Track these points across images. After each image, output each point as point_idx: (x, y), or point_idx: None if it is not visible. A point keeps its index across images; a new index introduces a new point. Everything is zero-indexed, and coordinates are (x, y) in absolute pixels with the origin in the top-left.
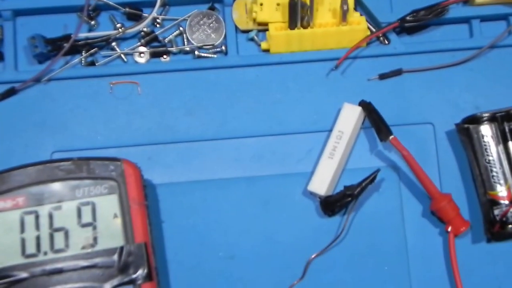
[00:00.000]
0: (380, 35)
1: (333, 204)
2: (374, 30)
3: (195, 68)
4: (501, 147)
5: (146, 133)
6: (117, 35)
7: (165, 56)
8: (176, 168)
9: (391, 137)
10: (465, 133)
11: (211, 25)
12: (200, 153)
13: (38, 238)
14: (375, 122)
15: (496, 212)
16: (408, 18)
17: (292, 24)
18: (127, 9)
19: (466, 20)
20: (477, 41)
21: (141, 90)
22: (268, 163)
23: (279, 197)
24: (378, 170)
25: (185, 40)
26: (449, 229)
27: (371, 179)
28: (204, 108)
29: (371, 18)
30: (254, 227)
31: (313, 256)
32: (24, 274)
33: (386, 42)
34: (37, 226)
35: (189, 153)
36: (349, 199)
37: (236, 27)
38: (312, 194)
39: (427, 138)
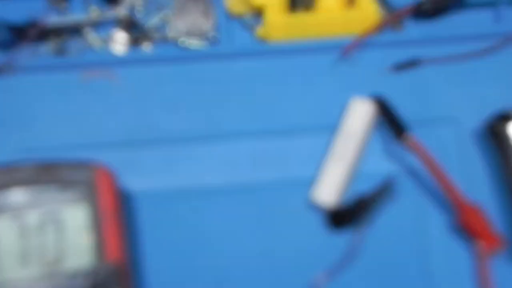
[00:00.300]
0: (395, 20)
1: (344, 217)
2: (387, 14)
3: (180, 59)
4: None
5: (123, 133)
6: (91, 20)
7: (146, 45)
8: (158, 174)
9: (408, 136)
10: (495, 132)
11: (199, 9)
12: (187, 157)
13: None
14: (390, 120)
15: None
16: (426, 0)
17: (292, 7)
18: None
19: (492, 2)
20: (505, 26)
21: (118, 83)
22: (266, 168)
23: (279, 209)
24: (393, 179)
25: (169, 26)
26: (481, 246)
27: (386, 188)
28: (192, 104)
29: (383, 1)
30: (249, 244)
31: (319, 280)
32: None
33: (401, 28)
34: None
35: (174, 157)
36: (363, 212)
37: (229, 12)
38: (318, 206)
39: (451, 138)
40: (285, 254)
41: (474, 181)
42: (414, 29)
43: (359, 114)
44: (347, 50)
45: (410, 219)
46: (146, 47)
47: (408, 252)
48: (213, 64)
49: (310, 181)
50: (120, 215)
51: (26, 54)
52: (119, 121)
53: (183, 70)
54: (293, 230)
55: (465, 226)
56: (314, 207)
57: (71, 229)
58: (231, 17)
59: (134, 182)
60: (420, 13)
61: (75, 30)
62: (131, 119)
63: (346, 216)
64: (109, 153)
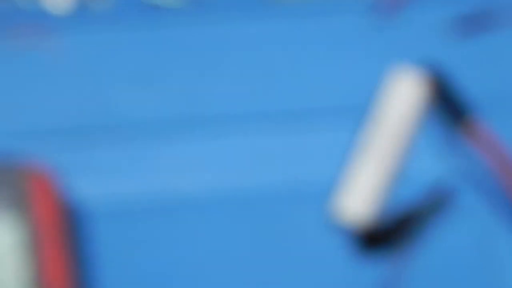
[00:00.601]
0: None
1: (381, 237)
2: None
3: (148, 21)
4: None
5: (69, 118)
6: None
7: (99, 2)
8: (117, 177)
9: (473, 124)
10: None
11: None
12: (157, 152)
13: None
14: (449, 103)
15: None
16: None
17: None
18: None
19: None
20: None
21: (59, 52)
22: (268, 169)
23: (288, 226)
24: (450, 185)
25: None
26: None
27: (443, 196)
28: (164, 81)
29: None
30: (243, 274)
31: None
32: None
33: None
34: None
35: (140, 153)
36: (409, 229)
37: None
38: (343, 222)
39: None
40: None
41: None
42: None
43: (404, 95)
44: (390, 7)
45: (473, 240)
46: (99, 5)
47: (472, 284)
48: (194, 28)
49: (331, 188)
50: (64, 233)
51: None
52: (63, 101)
53: (151, 36)
54: (307, 256)
55: None
56: (338, 224)
57: None
58: None
59: (86, 186)
60: None
61: None
62: (80, 100)
63: (384, 236)
64: (47, 148)
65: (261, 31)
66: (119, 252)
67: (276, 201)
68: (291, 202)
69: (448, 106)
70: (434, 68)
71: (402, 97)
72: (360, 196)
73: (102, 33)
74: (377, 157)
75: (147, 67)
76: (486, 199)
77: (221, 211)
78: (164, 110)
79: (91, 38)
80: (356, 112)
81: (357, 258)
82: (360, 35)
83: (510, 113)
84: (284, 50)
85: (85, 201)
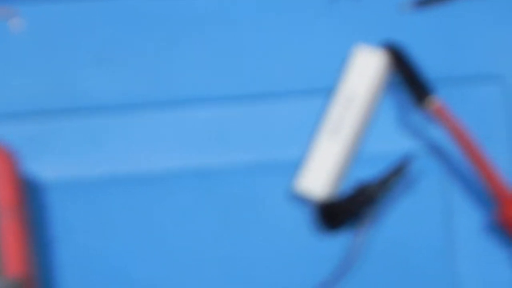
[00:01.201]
0: None
1: (338, 213)
2: None
3: None
4: None
5: (28, 97)
6: None
7: None
8: (79, 155)
9: (433, 100)
10: None
11: None
12: (120, 130)
13: None
14: (408, 77)
15: None
16: None
17: None
18: None
19: None
20: None
21: (20, 25)
22: (233, 147)
23: (251, 203)
24: (409, 158)
25: None
26: None
27: (399, 171)
28: (128, 55)
29: None
30: (209, 251)
31: None
32: None
33: None
34: None
35: (102, 130)
36: (364, 205)
37: None
38: (304, 197)
39: (493, 103)
40: (260, 263)
41: None
42: None
43: (365, 69)
44: None
45: (433, 215)
46: None
47: (429, 261)
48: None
49: (294, 165)
50: (24, 213)
51: None
52: (21, 80)
53: (114, 7)
54: (271, 232)
55: (508, 223)
56: (300, 200)
57: None
58: None
59: (46, 166)
60: None
61: None
62: (39, 77)
63: (342, 211)
64: (8, 126)
65: (221, 4)
66: (81, 232)
67: (242, 177)
68: (256, 178)
69: (407, 79)
70: (393, 41)
71: (363, 71)
72: (321, 173)
73: (58, 4)
74: (338, 133)
75: (108, 42)
76: (447, 174)
77: (184, 186)
78: (125, 87)
79: (50, 8)
80: (319, 89)
81: (319, 230)
82: (322, 8)
83: (467, 88)
84: (245, 24)
85: (46, 179)
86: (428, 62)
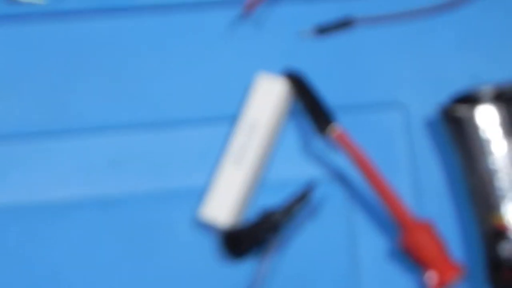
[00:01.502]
0: None
1: (242, 241)
2: None
3: (8, 16)
4: None
5: None
6: None
7: None
8: None
9: (334, 128)
10: (454, 119)
11: None
12: (19, 159)
13: None
14: (310, 105)
15: (503, 248)
16: None
17: None
18: None
19: None
20: None
21: None
22: (135, 174)
23: (154, 231)
24: (313, 185)
25: None
26: (430, 277)
27: (303, 198)
28: (26, 84)
29: None
30: (112, 282)
31: None
32: None
33: None
34: None
35: (3, 159)
36: (268, 231)
37: None
38: (209, 224)
39: (393, 129)
40: None
41: (427, 188)
42: None
43: (267, 96)
44: (250, 5)
45: (337, 241)
46: None
47: (334, 285)
48: (57, 24)
49: (198, 192)
50: None
51: None
52: None
53: (12, 33)
54: (173, 260)
55: (410, 249)
56: (204, 228)
57: None
58: None
59: None
60: None
61: None
62: None
63: (246, 238)
64: None
65: (121, 28)
66: None
67: (145, 204)
68: (159, 205)
69: (309, 107)
70: (295, 69)
71: (265, 99)
72: (223, 201)
73: None
74: (241, 160)
75: (8, 70)
76: (349, 200)
77: (85, 215)
78: (23, 115)
79: None
80: (222, 116)
81: (223, 258)
82: (225, 34)
83: (367, 115)
84: (146, 50)
85: None
86: (329, 89)
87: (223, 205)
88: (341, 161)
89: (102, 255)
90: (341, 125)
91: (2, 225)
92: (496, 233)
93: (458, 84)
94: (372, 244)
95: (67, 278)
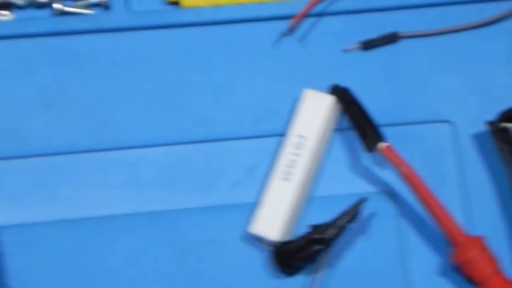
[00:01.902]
0: None
1: (292, 256)
2: None
3: (55, 33)
4: None
5: None
6: None
7: (4, 13)
8: (29, 200)
9: (382, 144)
10: (504, 136)
11: None
12: (69, 175)
13: None
14: (357, 121)
15: None
16: None
17: None
18: None
19: None
20: None
21: None
22: (184, 189)
23: (204, 246)
24: (364, 200)
25: None
26: None
27: (354, 214)
28: (74, 99)
29: None
30: None
31: None
32: None
33: None
34: None
35: (51, 175)
36: (319, 246)
37: None
38: (258, 240)
39: (442, 145)
40: None
41: (475, 205)
42: None
43: (314, 113)
44: (296, 20)
45: (387, 257)
46: (5, 16)
47: None
48: (104, 40)
49: (246, 208)
50: None
51: None
52: None
53: (60, 49)
54: (223, 276)
55: (463, 266)
56: (253, 244)
57: None
58: None
59: None
60: None
61: None
62: None
63: (295, 254)
64: None
65: (167, 44)
66: (29, 274)
67: (194, 220)
68: (209, 220)
69: (356, 122)
70: (341, 85)
71: (313, 114)
72: (274, 215)
73: (7, 45)
74: (291, 174)
75: (56, 84)
76: (400, 217)
77: (134, 230)
78: (75, 130)
79: None
80: (267, 133)
81: (274, 273)
82: (268, 50)
83: (414, 130)
84: (196, 65)
85: None
86: (376, 104)
87: (273, 221)
88: (391, 177)
89: (152, 271)
90: (389, 140)
91: (54, 239)
92: None
93: (507, 99)
94: (424, 260)
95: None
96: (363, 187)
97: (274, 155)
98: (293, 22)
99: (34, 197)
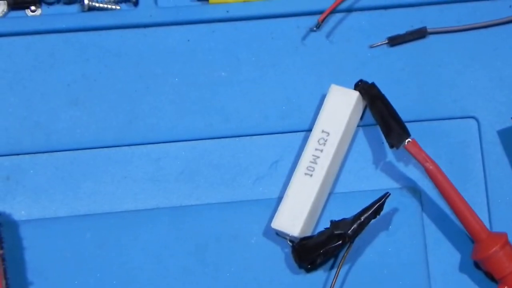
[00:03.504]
0: None
1: (313, 251)
2: None
3: (84, 28)
4: None
5: (2, 137)
6: None
7: (33, 8)
8: (53, 194)
9: (407, 140)
10: None
11: None
12: (93, 169)
13: None
14: (382, 117)
15: None
16: None
17: None
18: None
19: None
20: None
21: None
22: (207, 184)
23: (226, 241)
24: (386, 195)
25: None
26: None
27: (376, 209)
28: (100, 94)
29: None
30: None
31: None
32: None
33: None
34: None
35: (75, 170)
36: (340, 242)
37: None
38: (280, 235)
39: (467, 141)
40: None
41: (502, 202)
42: None
43: (339, 108)
44: (323, 16)
45: (408, 252)
46: (34, 12)
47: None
48: (132, 36)
49: (269, 203)
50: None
51: None
52: None
53: (87, 44)
54: (244, 270)
55: (484, 263)
56: (275, 239)
57: None
58: None
59: (20, 206)
60: None
61: None
62: (12, 116)
63: (317, 249)
64: None
65: (195, 39)
66: (55, 273)
67: (216, 215)
68: (231, 215)
69: (381, 118)
70: (366, 80)
71: (338, 109)
72: (296, 210)
73: (35, 40)
74: (313, 170)
75: (83, 80)
76: (422, 211)
77: (157, 225)
78: (101, 126)
79: (23, 44)
80: (292, 127)
81: (295, 268)
82: (295, 45)
83: (440, 126)
84: (222, 60)
85: (23, 218)
86: (401, 100)
87: (295, 216)
88: (414, 172)
89: (174, 265)
90: (414, 136)
91: (76, 233)
92: None
93: None
94: (445, 256)
95: (139, 284)
96: (386, 183)
97: (298, 150)
98: (320, 18)
99: (58, 192)
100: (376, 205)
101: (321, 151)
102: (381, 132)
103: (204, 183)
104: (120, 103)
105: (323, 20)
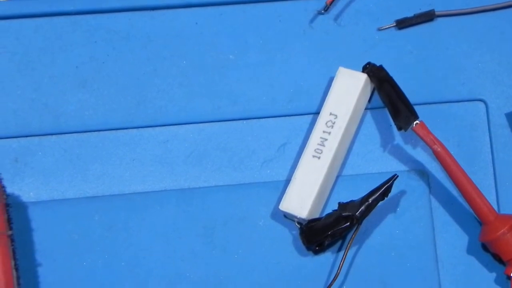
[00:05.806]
0: None
1: (321, 233)
2: None
3: (92, 11)
4: None
5: (11, 119)
6: None
7: None
8: (61, 176)
9: (415, 122)
10: None
11: None
12: (101, 152)
13: None
14: (390, 99)
15: None
16: None
17: None
18: None
19: None
20: None
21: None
22: (215, 167)
23: (234, 223)
24: (394, 177)
25: None
26: (511, 272)
27: (383, 192)
28: (108, 77)
29: None
30: (193, 270)
31: None
32: None
33: None
34: None
35: (84, 152)
36: (348, 224)
37: None
38: (288, 217)
39: (475, 124)
40: (241, 283)
41: (506, 184)
42: None
43: (347, 91)
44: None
45: (417, 236)
46: None
47: (413, 281)
48: (139, 18)
49: (277, 185)
50: (8, 233)
51: None
52: (3, 101)
53: (95, 27)
54: (252, 252)
55: (492, 245)
56: (283, 221)
57: None
58: None
59: (29, 187)
60: None
61: None
62: (21, 99)
63: (324, 231)
64: None
65: (203, 22)
66: (63, 254)
67: (224, 197)
68: (239, 197)
69: (389, 101)
70: (374, 63)
71: (346, 92)
72: (304, 192)
73: (42, 22)
74: (320, 155)
75: (91, 62)
76: (430, 193)
77: (166, 206)
78: (109, 108)
79: (30, 26)
80: (299, 110)
81: (303, 250)
82: (303, 28)
83: (447, 109)
84: (230, 43)
85: (32, 200)
86: (409, 83)
87: (303, 198)
88: (422, 155)
89: (182, 247)
90: (422, 118)
91: (84, 215)
92: None
93: None
94: (453, 238)
95: (147, 266)
96: (394, 165)
97: (306, 133)
98: (328, 0)
99: (66, 174)
100: (384, 187)
101: (329, 133)
102: (389, 115)
103: (212, 165)
104: (128, 86)
105: (331, 3)
